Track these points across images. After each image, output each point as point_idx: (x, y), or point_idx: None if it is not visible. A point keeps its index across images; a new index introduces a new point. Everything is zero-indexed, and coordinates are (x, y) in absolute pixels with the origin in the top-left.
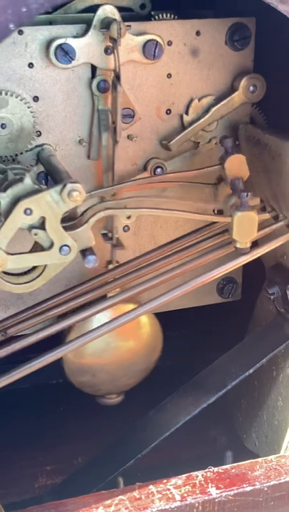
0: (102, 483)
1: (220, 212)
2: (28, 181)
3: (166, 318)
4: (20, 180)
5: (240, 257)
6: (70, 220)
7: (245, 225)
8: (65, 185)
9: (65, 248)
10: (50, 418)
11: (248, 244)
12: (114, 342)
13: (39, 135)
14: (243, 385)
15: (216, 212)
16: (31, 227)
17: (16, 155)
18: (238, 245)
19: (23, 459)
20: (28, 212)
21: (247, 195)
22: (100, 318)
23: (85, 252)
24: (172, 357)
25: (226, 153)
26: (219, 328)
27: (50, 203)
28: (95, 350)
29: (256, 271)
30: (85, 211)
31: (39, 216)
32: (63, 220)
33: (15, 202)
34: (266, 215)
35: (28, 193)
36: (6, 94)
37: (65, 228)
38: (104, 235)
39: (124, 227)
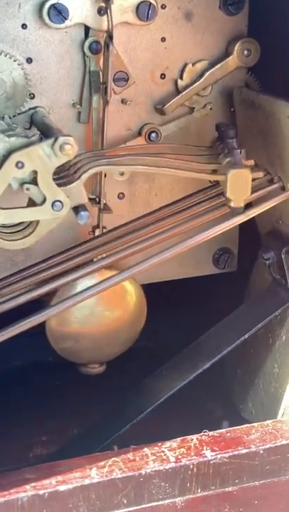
0: (97, 449)
1: None
2: (19, 135)
3: (160, 292)
4: (12, 134)
5: (235, 217)
6: (63, 177)
7: (239, 183)
8: (56, 139)
9: (57, 204)
10: (46, 393)
11: (242, 204)
12: (98, 309)
13: (32, 97)
14: (239, 354)
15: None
16: (23, 183)
17: (10, 117)
18: (232, 204)
19: (18, 431)
20: (19, 165)
21: (240, 152)
22: (88, 284)
23: (77, 209)
24: (164, 332)
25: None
26: (215, 301)
27: (42, 157)
28: (79, 317)
29: (252, 243)
30: (78, 168)
31: (31, 170)
32: (55, 176)
33: (6, 156)
34: (259, 174)
35: (20, 146)
36: (1, 54)
37: (58, 185)
38: (92, 200)
39: (118, 195)
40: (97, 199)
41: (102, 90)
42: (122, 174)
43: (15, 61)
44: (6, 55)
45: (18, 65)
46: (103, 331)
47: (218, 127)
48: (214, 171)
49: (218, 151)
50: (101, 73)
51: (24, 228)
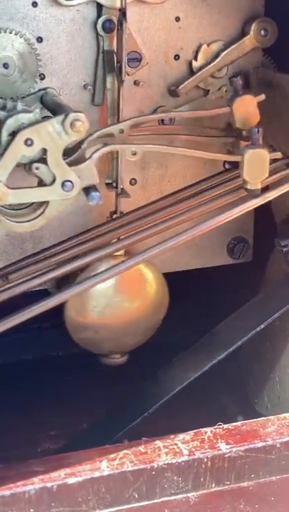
0: (107, 443)
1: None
2: (28, 111)
3: (172, 283)
4: (21, 111)
5: (251, 200)
6: (73, 157)
7: (256, 164)
8: (67, 115)
9: (67, 184)
10: (55, 387)
11: (259, 186)
12: (118, 299)
13: (43, 78)
14: (254, 347)
15: (226, 166)
16: (32, 162)
17: (18, 98)
18: (248, 186)
19: (27, 425)
20: (28, 142)
21: (258, 132)
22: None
23: (88, 190)
24: (177, 324)
25: (234, 94)
26: (229, 292)
27: (51, 134)
28: (98, 307)
29: (267, 233)
30: (88, 146)
31: (40, 148)
32: (65, 156)
33: (15, 133)
34: (278, 154)
35: (29, 123)
36: (11, 33)
37: (68, 165)
38: (109, 185)
39: (130, 181)
40: (114, 184)
41: (117, 70)
42: (134, 154)
43: (25, 40)
44: (16, 34)
45: (28, 44)
46: (124, 321)
47: (236, 88)
48: (230, 152)
49: (235, 132)
50: (114, 53)
51: (34, 210)
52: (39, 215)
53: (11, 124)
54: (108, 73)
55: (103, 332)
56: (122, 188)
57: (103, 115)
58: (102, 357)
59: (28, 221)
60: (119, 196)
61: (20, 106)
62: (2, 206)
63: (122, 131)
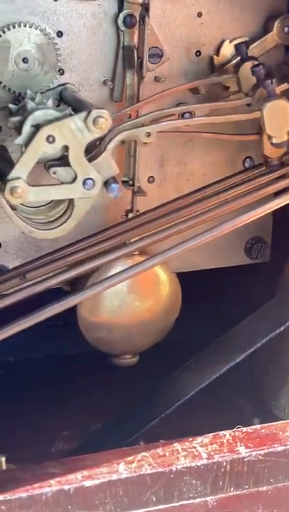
0: (123, 443)
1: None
2: (50, 107)
3: (189, 283)
4: (43, 107)
5: (273, 200)
6: (89, 151)
7: (277, 116)
8: (90, 112)
9: (89, 182)
10: (67, 386)
11: (286, 137)
12: (131, 299)
13: (62, 74)
14: (271, 348)
15: (245, 165)
16: (50, 166)
17: (38, 92)
18: (274, 141)
19: (40, 425)
20: (50, 139)
21: (272, 83)
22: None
23: (107, 182)
24: (194, 324)
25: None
26: (247, 293)
27: (73, 131)
28: (112, 307)
29: (286, 232)
30: (102, 139)
31: (62, 145)
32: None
33: (39, 126)
34: None
35: (51, 120)
36: (31, 27)
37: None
38: (125, 183)
39: (148, 179)
40: (131, 181)
41: (137, 66)
42: (148, 136)
43: (45, 35)
44: (36, 28)
45: (49, 38)
46: (137, 321)
47: (241, 54)
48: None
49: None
50: (135, 48)
51: (62, 215)
52: (67, 218)
53: (38, 116)
54: (128, 69)
55: (116, 332)
56: (139, 186)
57: (133, 111)
58: (113, 357)
59: (57, 226)
60: (135, 195)
61: (51, 102)
62: (22, 205)
63: (130, 116)
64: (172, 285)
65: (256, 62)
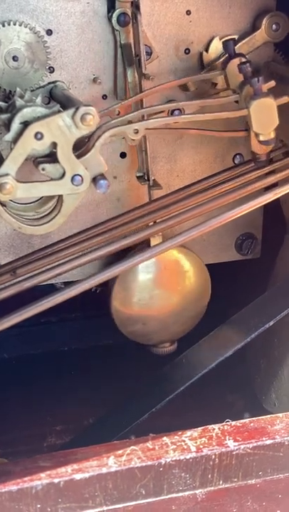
0: (114, 439)
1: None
2: (38, 104)
3: None
4: (31, 104)
5: (262, 196)
6: (78, 148)
7: (264, 113)
8: (78, 109)
9: (77, 178)
10: (61, 382)
11: (272, 135)
12: (161, 290)
13: (52, 71)
14: (262, 343)
15: (235, 162)
16: (39, 162)
17: (27, 90)
18: (261, 138)
19: (33, 420)
20: (38, 136)
21: (258, 81)
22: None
23: (95, 178)
24: None
25: (229, 58)
26: (237, 289)
27: (62, 128)
28: (143, 300)
29: (276, 229)
30: (90, 135)
31: (50, 142)
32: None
33: (25, 126)
34: (285, 98)
35: (39, 117)
36: (21, 25)
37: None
38: (140, 178)
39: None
40: (146, 176)
41: (136, 63)
42: (136, 132)
43: (35, 33)
44: (20, 25)
45: (38, 37)
46: (170, 311)
47: (229, 51)
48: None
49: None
50: (132, 46)
51: (51, 212)
52: (56, 214)
53: (27, 113)
54: (128, 66)
55: (151, 324)
56: (154, 180)
57: (120, 108)
58: (152, 347)
59: (46, 222)
60: (151, 189)
61: (39, 99)
62: (12, 201)
63: (118, 113)
64: (199, 270)
65: (244, 60)
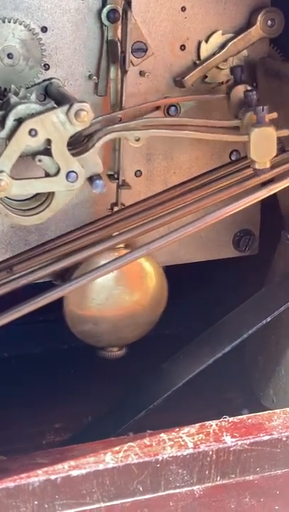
0: (112, 436)
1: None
2: (33, 101)
3: (177, 277)
4: (25, 101)
5: (257, 192)
6: (76, 147)
7: (263, 143)
8: (71, 105)
9: (72, 174)
10: (60, 380)
11: (268, 165)
12: (117, 292)
13: (47, 69)
14: (260, 340)
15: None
16: (36, 154)
17: (22, 87)
18: (256, 166)
19: (31, 418)
20: (32, 133)
21: (263, 110)
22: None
23: (92, 178)
24: (181, 317)
25: (234, 84)
26: (235, 285)
27: (56, 124)
28: (98, 300)
29: (273, 225)
30: (91, 135)
31: (44, 138)
32: (69, 146)
33: (19, 123)
34: (285, 131)
35: (34, 113)
36: (15, 22)
37: (71, 155)
38: (111, 176)
39: (135, 172)
40: (116, 175)
41: (121, 60)
42: (137, 140)
43: (30, 30)
44: (15, 22)
45: (33, 34)
46: (123, 314)
47: (236, 77)
48: (236, 129)
49: (239, 108)
50: (119, 43)
51: (40, 204)
52: (45, 207)
53: (21, 109)
54: (112, 63)
55: (102, 324)
56: (124, 180)
57: (106, 106)
58: (100, 350)
59: (34, 214)
60: (120, 188)
61: (34, 96)
62: (8, 198)
63: (120, 120)
64: (158, 278)
65: (249, 88)
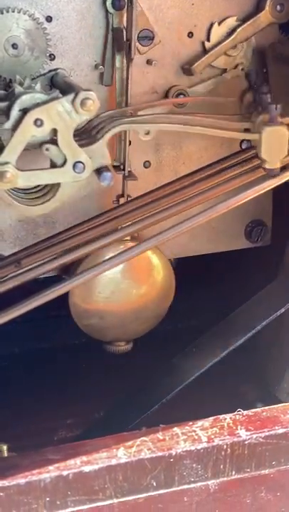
0: (125, 429)
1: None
2: (38, 90)
3: (188, 269)
4: (30, 91)
5: (268, 180)
6: (84, 138)
7: (275, 142)
8: (77, 94)
9: (79, 165)
10: (71, 375)
11: (278, 165)
12: (124, 285)
13: (52, 59)
14: (273, 332)
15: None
16: (42, 143)
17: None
18: (266, 166)
19: (43, 413)
20: (38, 123)
21: (276, 108)
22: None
23: (100, 170)
24: (194, 310)
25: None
26: (247, 277)
27: (61, 114)
28: (104, 293)
29: (287, 216)
30: (100, 127)
31: (50, 128)
32: (77, 137)
33: (24, 113)
34: None
35: (39, 103)
36: (19, 12)
37: (79, 146)
38: (116, 167)
39: (144, 163)
40: (122, 166)
41: (126, 48)
42: (147, 133)
43: (34, 20)
44: (25, 13)
45: (38, 23)
46: (129, 308)
47: (250, 81)
48: (247, 130)
49: (251, 110)
50: (124, 30)
51: (45, 194)
52: (50, 197)
53: (26, 99)
54: (117, 52)
55: (108, 319)
56: (130, 171)
57: (112, 95)
58: (106, 344)
59: (39, 204)
60: (126, 179)
61: (39, 86)
62: (14, 190)
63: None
64: (166, 271)
65: (264, 90)
